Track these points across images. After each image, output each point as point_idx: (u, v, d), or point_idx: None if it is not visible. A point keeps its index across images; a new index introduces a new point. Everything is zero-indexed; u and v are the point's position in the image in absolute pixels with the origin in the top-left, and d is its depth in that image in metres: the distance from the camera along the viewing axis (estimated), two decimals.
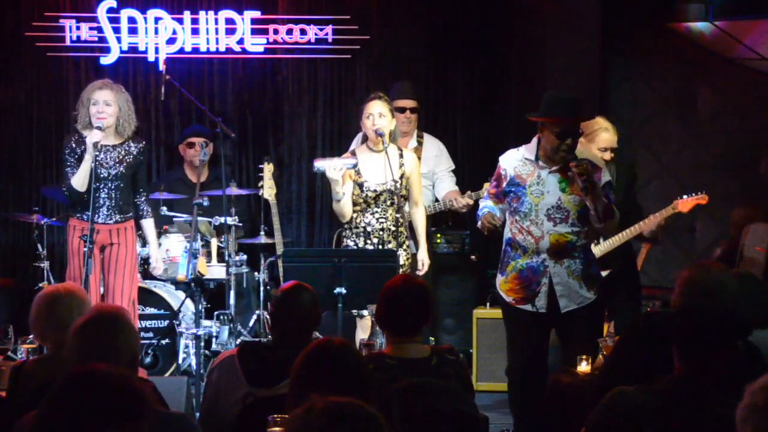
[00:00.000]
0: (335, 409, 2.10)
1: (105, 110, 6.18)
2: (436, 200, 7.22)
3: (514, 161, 5.36)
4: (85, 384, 2.24)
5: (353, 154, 6.18)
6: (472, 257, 7.70)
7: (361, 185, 6.08)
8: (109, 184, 6.22)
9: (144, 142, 6.42)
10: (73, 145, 6.22)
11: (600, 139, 5.99)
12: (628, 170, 6.29)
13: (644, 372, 3.06)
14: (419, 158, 7.05)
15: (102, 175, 6.19)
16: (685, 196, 6.27)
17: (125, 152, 6.27)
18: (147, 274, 7.33)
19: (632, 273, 6.37)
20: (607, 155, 6.00)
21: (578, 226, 5.26)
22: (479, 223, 5.46)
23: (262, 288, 7.17)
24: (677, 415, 2.69)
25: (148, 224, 6.43)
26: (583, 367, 4.47)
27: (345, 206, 6.05)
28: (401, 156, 6.18)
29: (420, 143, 7.16)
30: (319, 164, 5.98)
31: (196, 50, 8.19)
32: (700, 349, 2.92)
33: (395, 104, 6.88)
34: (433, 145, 7.23)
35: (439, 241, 7.56)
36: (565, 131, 5.17)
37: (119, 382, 2.26)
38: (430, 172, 7.15)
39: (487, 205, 5.48)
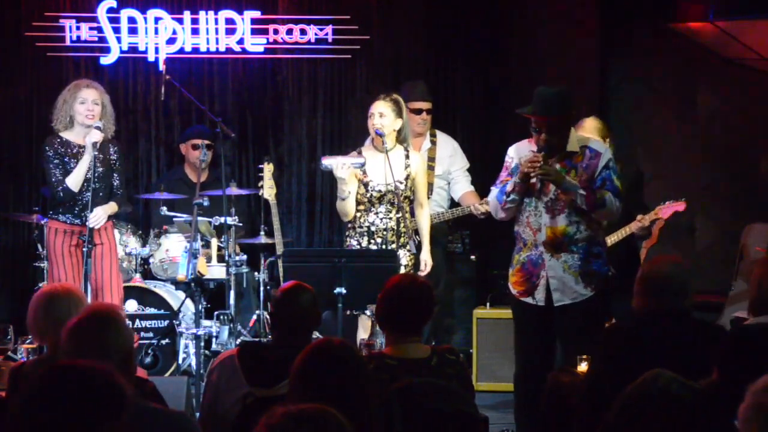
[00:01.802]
0: (296, 413, 2.10)
1: (94, 109, 6.19)
2: (453, 204, 7.18)
3: (522, 151, 5.38)
4: (65, 380, 2.24)
5: (360, 153, 6.18)
6: (472, 257, 7.69)
7: (366, 185, 6.09)
8: (92, 185, 6.21)
9: (117, 144, 6.44)
10: (57, 147, 6.21)
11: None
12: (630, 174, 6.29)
13: (633, 375, 3.05)
14: (434, 159, 7.05)
15: (86, 176, 6.19)
16: (667, 202, 6.28)
17: (106, 153, 6.28)
18: (147, 274, 7.34)
19: (629, 271, 6.34)
20: None
21: (576, 218, 5.23)
22: (516, 177, 5.29)
23: (262, 288, 7.17)
24: (706, 418, 2.67)
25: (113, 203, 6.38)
26: (583, 367, 4.48)
27: (348, 205, 6.06)
28: (407, 157, 6.17)
29: (433, 143, 7.12)
30: (327, 162, 6.00)
31: (196, 50, 8.18)
32: (742, 368, 2.89)
33: (410, 106, 6.84)
34: (447, 145, 7.20)
35: (452, 242, 7.54)
36: (539, 127, 5.21)
37: (99, 379, 2.26)
38: (445, 172, 7.13)
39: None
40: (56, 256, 6.18)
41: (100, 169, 6.24)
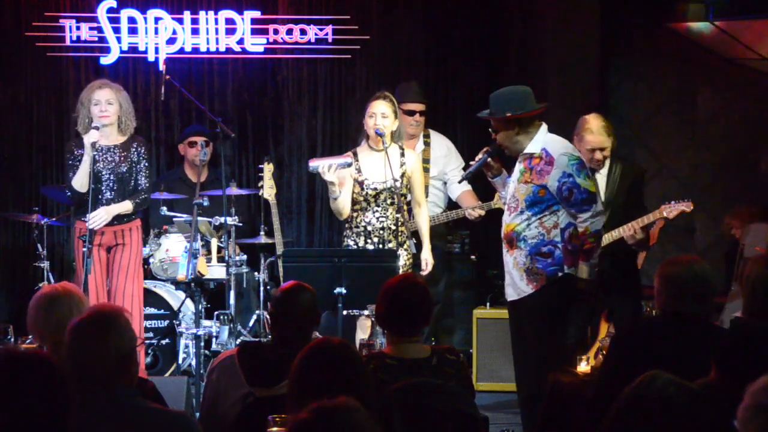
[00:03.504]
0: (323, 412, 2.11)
1: (108, 109, 6.20)
2: (450, 205, 7.17)
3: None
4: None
5: (354, 154, 6.18)
6: (472, 257, 7.70)
7: (361, 183, 6.09)
8: (112, 185, 6.22)
9: (143, 141, 6.42)
10: (74, 149, 6.24)
11: (585, 140, 6.01)
12: (633, 171, 6.28)
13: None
14: (428, 161, 7.05)
15: (105, 176, 6.20)
16: (672, 203, 6.25)
17: (127, 151, 6.28)
18: (147, 274, 7.34)
19: (631, 273, 6.35)
20: (598, 155, 6.01)
21: (527, 216, 5.23)
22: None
23: (262, 288, 7.17)
24: (702, 420, 2.67)
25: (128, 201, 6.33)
26: (583, 367, 4.48)
27: (342, 204, 6.06)
28: (402, 155, 6.18)
29: (427, 143, 7.12)
30: (314, 164, 6.02)
31: (196, 50, 8.18)
32: (741, 367, 2.89)
33: (404, 107, 6.84)
34: (441, 145, 7.20)
35: (451, 242, 7.55)
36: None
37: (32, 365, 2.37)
38: (440, 173, 7.12)
39: None
40: (78, 257, 6.18)
41: (123, 168, 6.24)
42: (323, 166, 5.94)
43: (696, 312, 3.82)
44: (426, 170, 6.94)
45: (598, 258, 5.24)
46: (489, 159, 5.42)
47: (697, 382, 2.89)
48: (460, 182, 6.45)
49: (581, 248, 5.16)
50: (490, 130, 5.40)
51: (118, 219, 6.24)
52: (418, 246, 6.19)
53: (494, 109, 5.32)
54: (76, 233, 6.25)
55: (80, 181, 6.16)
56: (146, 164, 6.37)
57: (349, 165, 6.02)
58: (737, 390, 2.73)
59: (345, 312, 5.63)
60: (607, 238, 6.08)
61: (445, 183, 7.18)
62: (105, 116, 6.17)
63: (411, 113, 6.94)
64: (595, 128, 6.04)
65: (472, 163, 5.47)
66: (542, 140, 5.27)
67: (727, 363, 2.94)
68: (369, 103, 6.14)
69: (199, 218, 6.57)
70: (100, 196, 6.19)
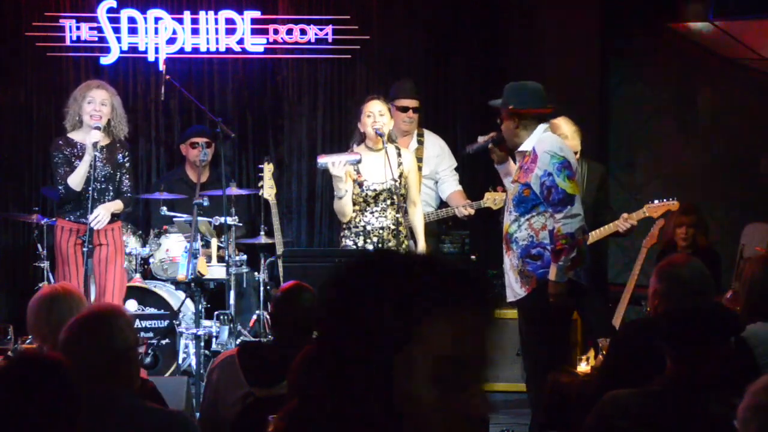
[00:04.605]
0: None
1: (101, 109, 6.21)
2: (440, 205, 7.18)
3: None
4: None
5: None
6: (472, 257, 7.69)
7: (360, 184, 6.09)
8: (97, 185, 6.22)
9: (127, 145, 6.45)
10: (63, 148, 6.25)
11: None
12: (598, 169, 6.34)
13: (641, 376, 3.05)
14: (421, 159, 7.05)
15: (90, 176, 6.20)
16: (656, 201, 6.28)
17: (111, 154, 6.29)
18: (147, 274, 7.34)
19: (598, 271, 6.37)
20: None
21: (515, 216, 5.24)
22: None
23: (262, 288, 7.17)
24: (670, 416, 2.69)
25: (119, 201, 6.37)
26: (583, 367, 4.48)
27: (346, 204, 6.06)
28: (399, 155, 6.19)
29: (421, 142, 7.12)
30: (323, 160, 6.02)
31: (196, 50, 8.18)
32: (691, 348, 2.90)
33: (397, 103, 6.85)
34: (435, 144, 7.20)
35: (445, 242, 7.55)
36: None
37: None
38: (432, 172, 7.12)
39: None
40: (62, 254, 6.20)
41: (107, 170, 6.26)
42: (332, 161, 5.94)
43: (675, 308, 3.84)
44: (419, 169, 6.95)
45: (571, 261, 5.10)
46: (491, 145, 5.41)
47: (656, 379, 2.90)
48: (464, 154, 6.46)
49: (553, 249, 5.11)
50: (498, 121, 5.40)
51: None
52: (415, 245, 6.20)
53: (504, 99, 5.34)
54: (58, 231, 6.27)
55: (77, 180, 6.17)
56: (129, 166, 6.43)
57: (359, 162, 6.01)
58: (695, 376, 2.75)
59: None
60: (592, 236, 6.11)
61: (437, 182, 7.18)
62: (96, 116, 6.18)
63: (404, 109, 6.94)
64: (569, 133, 6.06)
65: (480, 138, 5.49)
66: (536, 139, 5.25)
67: (679, 350, 2.94)
68: (364, 104, 6.15)
69: (199, 218, 6.57)
70: (86, 195, 6.20)
